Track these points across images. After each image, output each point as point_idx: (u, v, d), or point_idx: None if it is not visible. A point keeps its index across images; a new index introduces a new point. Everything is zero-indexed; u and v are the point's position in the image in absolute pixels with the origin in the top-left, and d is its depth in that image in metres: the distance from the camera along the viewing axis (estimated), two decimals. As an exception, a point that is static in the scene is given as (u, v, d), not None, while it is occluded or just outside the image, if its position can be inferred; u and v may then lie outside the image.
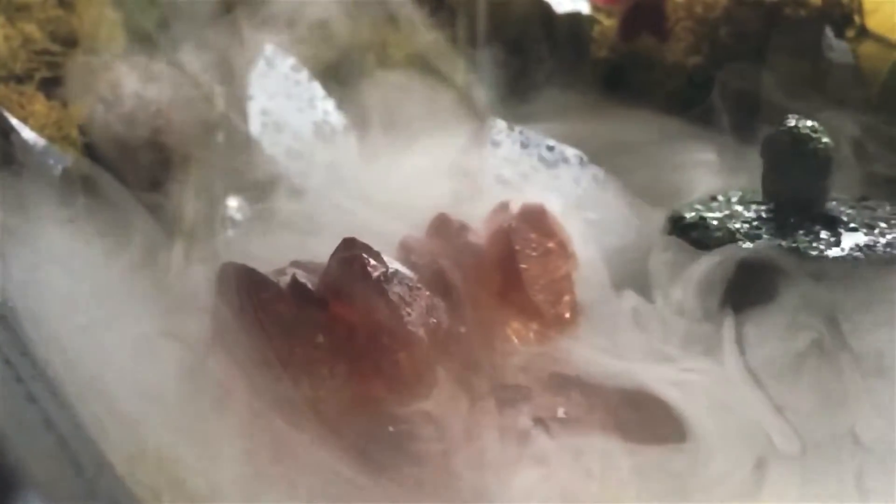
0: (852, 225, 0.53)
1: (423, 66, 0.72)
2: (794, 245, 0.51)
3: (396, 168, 0.62)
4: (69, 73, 0.65)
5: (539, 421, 0.44)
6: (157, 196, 0.59)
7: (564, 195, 0.60)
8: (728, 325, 0.48)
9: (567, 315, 0.51)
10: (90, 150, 0.62)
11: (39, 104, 0.62)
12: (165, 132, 0.62)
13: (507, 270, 0.51)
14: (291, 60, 0.67)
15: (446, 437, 0.43)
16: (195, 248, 0.56)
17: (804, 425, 0.44)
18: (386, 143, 0.65)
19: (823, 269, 0.50)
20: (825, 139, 0.54)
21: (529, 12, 0.78)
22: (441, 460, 0.42)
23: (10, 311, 0.43)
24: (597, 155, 0.63)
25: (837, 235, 0.52)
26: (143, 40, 0.67)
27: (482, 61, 0.75)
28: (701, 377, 0.47)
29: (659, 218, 0.57)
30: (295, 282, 0.45)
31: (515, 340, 0.49)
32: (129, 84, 0.63)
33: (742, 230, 0.53)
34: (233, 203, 0.61)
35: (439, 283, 0.48)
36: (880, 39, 0.69)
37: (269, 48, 0.67)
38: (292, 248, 0.51)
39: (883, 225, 0.53)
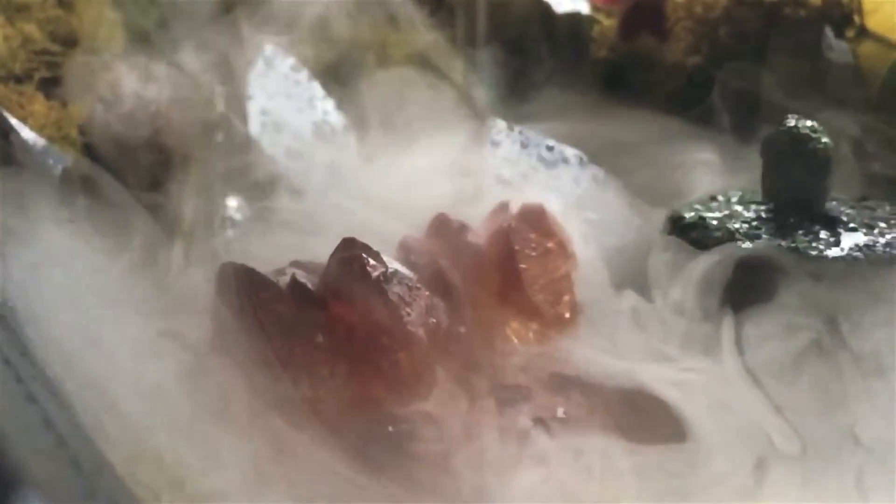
0: (852, 225, 0.53)
1: (423, 65, 0.72)
2: (793, 245, 0.51)
3: (396, 168, 0.62)
4: (69, 73, 0.65)
5: (539, 421, 0.44)
6: (157, 196, 0.59)
7: (564, 195, 0.60)
8: (727, 324, 0.48)
9: (567, 315, 0.51)
10: (90, 150, 0.62)
11: (39, 104, 0.62)
12: (165, 132, 0.62)
13: (506, 270, 0.51)
14: (291, 60, 0.67)
15: (446, 437, 0.43)
16: (195, 248, 0.56)
17: (804, 425, 0.44)
18: (385, 142, 0.65)
19: (823, 269, 0.50)
20: (825, 139, 0.54)
21: (529, 12, 0.78)
22: (441, 460, 0.42)
23: (9, 311, 0.43)
24: (597, 155, 0.63)
25: (837, 235, 0.52)
26: (143, 40, 0.67)
27: (482, 61, 0.75)
28: (700, 377, 0.47)
29: (659, 218, 0.57)
30: (294, 282, 0.45)
31: (515, 340, 0.49)
32: (129, 84, 0.63)
33: (742, 230, 0.53)
34: (232, 203, 0.60)
35: (439, 283, 0.48)
36: (880, 39, 0.69)
37: (268, 48, 0.67)
38: (292, 248, 0.51)
39: (882, 225, 0.53)
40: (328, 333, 0.44)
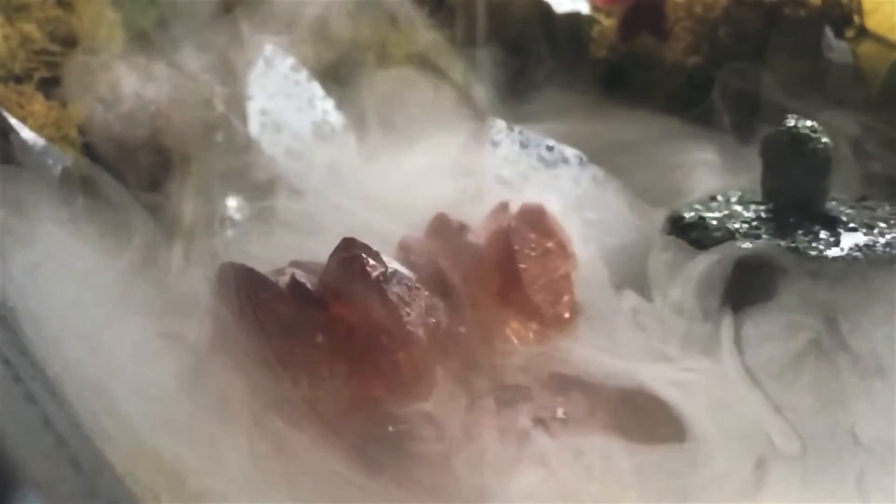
0: (852, 225, 0.53)
1: (423, 65, 0.72)
2: (793, 245, 0.51)
3: (396, 168, 0.62)
4: (68, 72, 0.65)
5: (539, 421, 0.44)
6: (157, 196, 0.59)
7: (564, 195, 0.60)
8: (727, 324, 0.48)
9: (566, 315, 0.51)
10: (89, 150, 0.62)
11: (38, 104, 0.62)
12: (165, 132, 0.62)
13: (506, 270, 0.51)
14: (291, 60, 0.67)
15: (446, 437, 0.43)
16: (195, 248, 0.56)
17: (804, 425, 0.44)
18: (385, 142, 0.65)
19: (823, 269, 0.50)
20: (825, 139, 0.54)
21: (529, 12, 0.78)
22: (441, 460, 0.42)
23: (9, 311, 0.43)
24: (596, 155, 0.63)
25: (837, 235, 0.52)
26: (143, 40, 0.67)
27: (482, 61, 0.75)
28: (700, 377, 0.47)
29: (658, 218, 0.57)
30: (294, 282, 0.45)
31: (515, 340, 0.49)
32: (129, 84, 0.63)
33: (741, 230, 0.53)
34: (232, 203, 0.60)
35: (438, 283, 0.48)
36: (880, 39, 0.69)
37: (268, 48, 0.67)
38: (292, 248, 0.51)
39: (882, 225, 0.53)
40: (328, 333, 0.44)
